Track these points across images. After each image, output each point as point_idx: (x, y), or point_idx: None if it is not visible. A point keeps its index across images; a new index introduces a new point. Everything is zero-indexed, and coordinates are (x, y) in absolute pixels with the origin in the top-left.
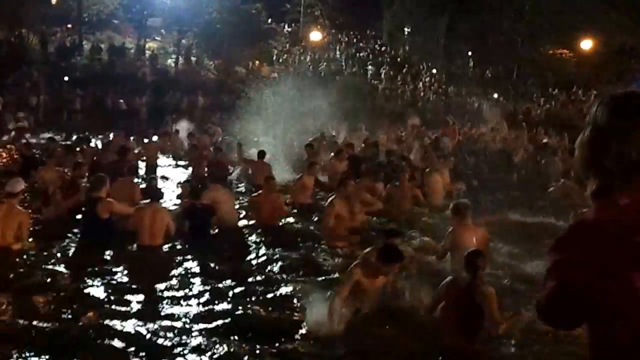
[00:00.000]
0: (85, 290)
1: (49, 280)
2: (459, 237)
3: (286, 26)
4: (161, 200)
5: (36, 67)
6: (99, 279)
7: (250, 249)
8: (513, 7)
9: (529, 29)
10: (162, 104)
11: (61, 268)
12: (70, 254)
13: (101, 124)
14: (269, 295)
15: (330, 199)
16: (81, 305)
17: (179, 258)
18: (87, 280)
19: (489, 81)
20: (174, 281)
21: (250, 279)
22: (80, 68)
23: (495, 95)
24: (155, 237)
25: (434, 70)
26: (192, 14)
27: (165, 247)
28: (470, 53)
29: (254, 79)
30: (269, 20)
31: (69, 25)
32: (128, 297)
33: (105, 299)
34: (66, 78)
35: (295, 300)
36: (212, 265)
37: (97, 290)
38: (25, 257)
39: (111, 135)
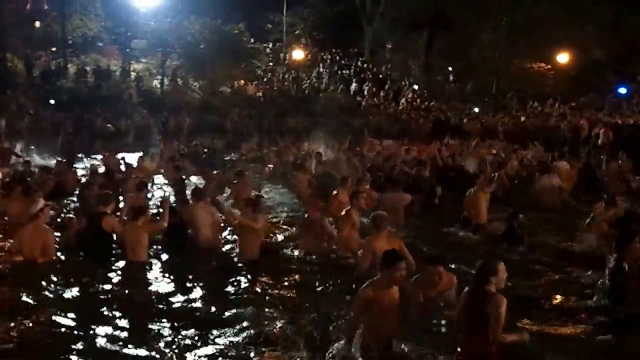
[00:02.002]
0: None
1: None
2: (376, 246)
3: (271, 45)
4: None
5: (21, 91)
6: (86, 293)
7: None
8: (490, 22)
9: (506, 44)
10: (149, 125)
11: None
12: (69, 269)
13: (88, 146)
14: (269, 317)
15: (346, 209)
16: (65, 317)
17: (164, 272)
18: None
19: (469, 96)
20: (159, 296)
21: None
22: (66, 91)
23: (476, 110)
24: (137, 253)
25: (416, 87)
26: (176, 35)
27: (150, 262)
28: (450, 68)
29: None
30: (252, 40)
31: (54, 49)
32: (111, 311)
33: (87, 314)
34: (52, 101)
35: (294, 315)
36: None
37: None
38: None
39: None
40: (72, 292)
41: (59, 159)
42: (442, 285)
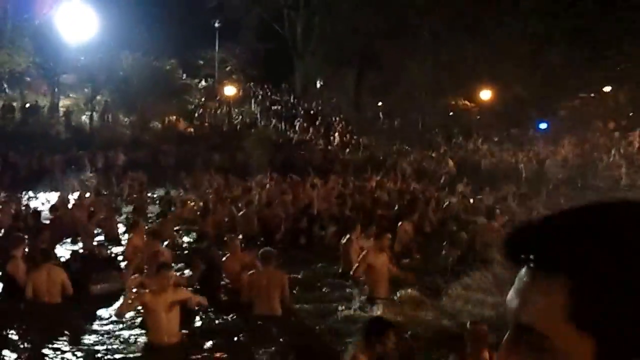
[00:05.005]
0: None
1: None
2: (259, 281)
3: (203, 81)
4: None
5: None
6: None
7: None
8: (416, 60)
9: (432, 81)
10: (77, 162)
11: None
12: None
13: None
14: None
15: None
16: None
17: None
18: None
19: (397, 132)
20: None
21: None
22: None
23: (407, 147)
24: (53, 295)
25: (344, 123)
26: (107, 71)
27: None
28: (379, 104)
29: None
30: (184, 76)
31: None
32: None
33: None
34: None
35: None
36: None
37: None
38: None
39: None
40: None
41: None
42: None
